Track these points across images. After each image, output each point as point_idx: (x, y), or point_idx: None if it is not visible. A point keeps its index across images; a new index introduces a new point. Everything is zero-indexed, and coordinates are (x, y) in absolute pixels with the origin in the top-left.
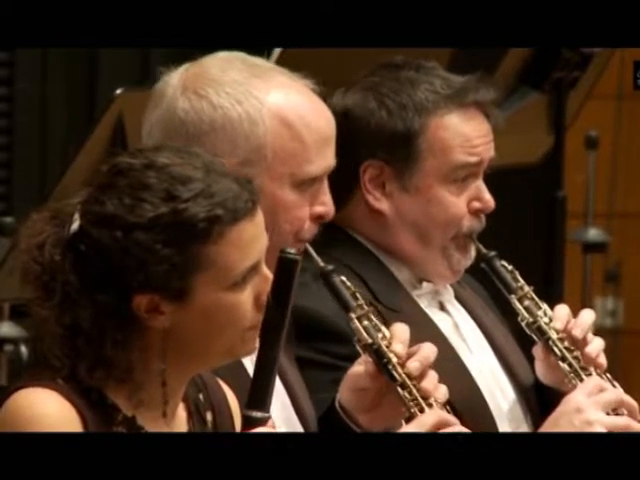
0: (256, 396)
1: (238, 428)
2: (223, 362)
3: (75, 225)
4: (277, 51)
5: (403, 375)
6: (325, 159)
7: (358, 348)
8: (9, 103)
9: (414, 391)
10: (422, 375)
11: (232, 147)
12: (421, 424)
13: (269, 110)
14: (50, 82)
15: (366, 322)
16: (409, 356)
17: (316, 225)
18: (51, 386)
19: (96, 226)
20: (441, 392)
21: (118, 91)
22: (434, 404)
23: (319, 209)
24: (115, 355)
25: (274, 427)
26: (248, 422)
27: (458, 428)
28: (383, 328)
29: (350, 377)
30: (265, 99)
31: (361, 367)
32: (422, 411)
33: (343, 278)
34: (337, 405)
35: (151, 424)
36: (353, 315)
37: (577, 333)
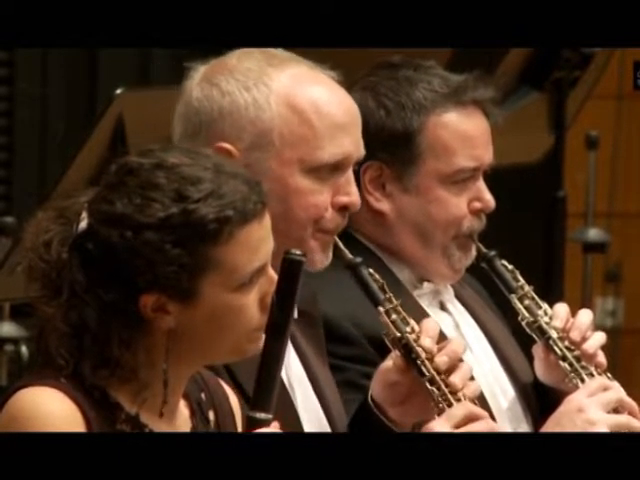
0: (260, 397)
1: (239, 427)
2: (226, 362)
3: (83, 224)
4: None
5: (432, 370)
6: (340, 147)
7: (387, 342)
8: (9, 102)
9: (442, 386)
10: (451, 370)
11: (239, 132)
12: (450, 417)
13: (277, 96)
14: (50, 82)
15: (394, 316)
16: (438, 350)
17: (341, 216)
18: (54, 385)
19: (105, 225)
20: (471, 388)
21: (118, 91)
22: (462, 399)
23: (342, 199)
24: (120, 354)
25: (277, 429)
26: (251, 423)
27: (488, 421)
28: (412, 322)
29: (380, 372)
30: (274, 86)
31: (390, 362)
32: (450, 406)
33: (371, 271)
34: (369, 399)
35: (154, 422)
36: (382, 309)
37: (575, 335)
